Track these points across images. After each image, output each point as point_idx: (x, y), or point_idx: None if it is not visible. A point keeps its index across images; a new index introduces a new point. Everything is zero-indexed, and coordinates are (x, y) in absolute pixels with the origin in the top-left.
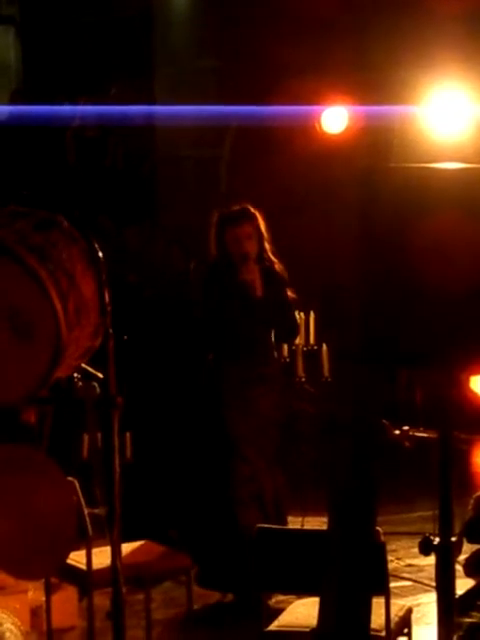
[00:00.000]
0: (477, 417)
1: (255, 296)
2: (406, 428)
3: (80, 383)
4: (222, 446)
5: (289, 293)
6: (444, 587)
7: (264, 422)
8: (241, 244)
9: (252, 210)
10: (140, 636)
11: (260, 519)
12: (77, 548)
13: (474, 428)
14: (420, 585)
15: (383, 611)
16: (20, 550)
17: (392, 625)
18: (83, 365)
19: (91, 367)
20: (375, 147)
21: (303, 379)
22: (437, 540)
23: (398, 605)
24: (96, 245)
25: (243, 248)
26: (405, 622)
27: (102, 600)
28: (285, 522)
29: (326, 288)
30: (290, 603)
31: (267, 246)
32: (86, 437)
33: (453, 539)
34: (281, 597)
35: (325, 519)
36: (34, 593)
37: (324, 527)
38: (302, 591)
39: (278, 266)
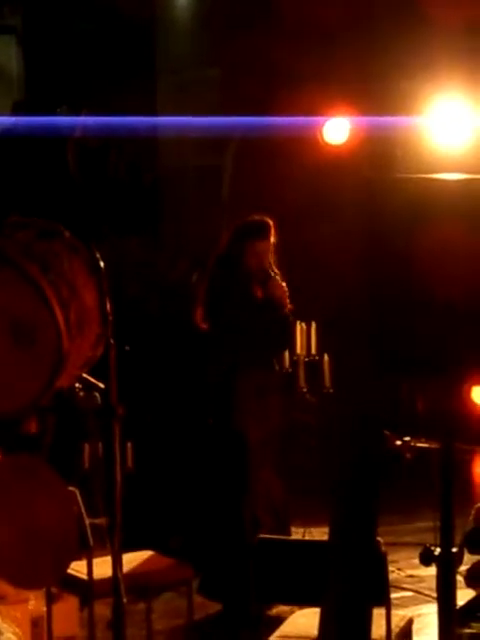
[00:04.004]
0: (478, 428)
1: (285, 310)
2: (407, 439)
3: (81, 393)
4: (228, 454)
5: (287, 305)
6: (445, 598)
7: (273, 429)
8: (262, 258)
9: (270, 222)
10: None
11: (271, 526)
12: (78, 558)
13: (475, 439)
14: (421, 596)
15: (384, 622)
16: (21, 560)
17: (393, 636)
18: (84, 375)
19: (92, 377)
20: (378, 158)
21: (305, 390)
22: (438, 551)
23: (399, 616)
24: (98, 255)
25: (264, 263)
26: (406, 633)
27: (103, 610)
28: (289, 532)
29: (329, 298)
30: (291, 614)
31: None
32: (87, 447)
33: (454, 550)
34: (282, 607)
35: (327, 530)
36: (35, 603)
37: (325, 538)
38: (303, 602)
39: (278, 277)
